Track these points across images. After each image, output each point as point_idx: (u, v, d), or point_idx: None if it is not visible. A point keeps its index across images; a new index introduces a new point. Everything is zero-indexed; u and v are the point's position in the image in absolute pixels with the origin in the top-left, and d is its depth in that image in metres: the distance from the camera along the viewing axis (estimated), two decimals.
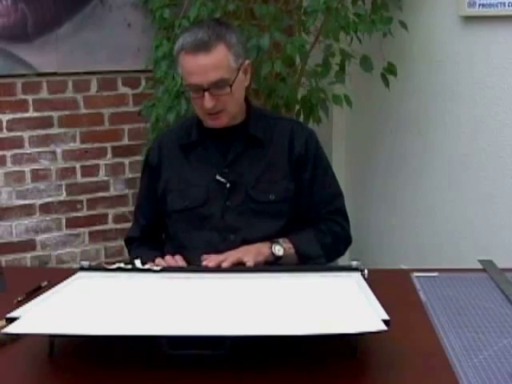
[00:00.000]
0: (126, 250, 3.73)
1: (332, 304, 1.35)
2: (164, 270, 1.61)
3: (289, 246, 1.81)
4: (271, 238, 1.82)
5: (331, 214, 1.93)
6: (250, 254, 1.72)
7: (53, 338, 1.27)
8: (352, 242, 1.98)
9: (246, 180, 1.86)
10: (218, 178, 1.85)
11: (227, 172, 1.86)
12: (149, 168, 1.98)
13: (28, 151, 3.29)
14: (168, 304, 1.37)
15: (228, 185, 1.85)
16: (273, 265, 1.76)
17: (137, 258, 1.67)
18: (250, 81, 1.92)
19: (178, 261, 1.74)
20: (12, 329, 1.21)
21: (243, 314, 1.29)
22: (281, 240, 1.80)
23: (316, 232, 1.88)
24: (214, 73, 1.75)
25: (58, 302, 1.37)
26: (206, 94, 1.75)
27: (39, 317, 1.28)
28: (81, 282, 1.54)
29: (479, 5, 2.74)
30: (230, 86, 1.77)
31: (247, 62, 1.86)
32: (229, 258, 1.68)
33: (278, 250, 1.77)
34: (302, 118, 3.03)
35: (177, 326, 1.22)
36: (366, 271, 1.60)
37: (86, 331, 1.21)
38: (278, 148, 1.89)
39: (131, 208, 3.48)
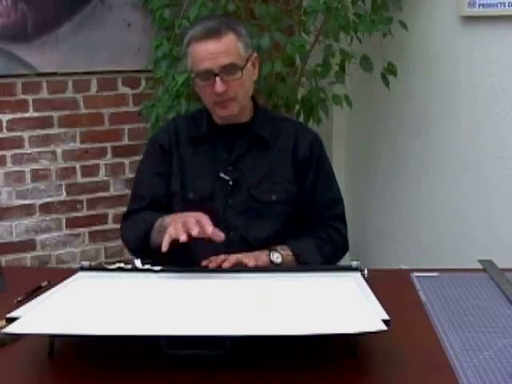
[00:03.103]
0: (126, 250, 3.75)
1: (332, 304, 1.35)
2: (164, 270, 1.61)
3: (287, 253, 1.81)
4: (270, 239, 1.84)
5: (331, 220, 1.94)
6: (249, 257, 1.72)
7: (53, 337, 1.27)
8: (350, 246, 1.99)
9: (248, 179, 1.87)
10: (222, 175, 1.87)
11: (231, 170, 1.87)
12: (160, 148, 1.94)
13: (28, 151, 3.29)
14: (168, 304, 1.37)
15: (231, 182, 1.86)
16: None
17: (136, 257, 1.67)
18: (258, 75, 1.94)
19: (204, 222, 1.60)
20: (12, 329, 1.21)
21: (243, 314, 1.29)
22: (279, 247, 1.81)
23: (316, 240, 1.89)
24: (225, 58, 1.78)
25: (57, 302, 1.37)
26: (217, 78, 1.77)
27: (39, 317, 1.27)
28: (81, 282, 1.54)
29: (479, 5, 2.74)
30: (241, 70, 1.79)
31: (255, 54, 1.89)
32: (229, 258, 1.68)
33: (277, 257, 1.78)
34: (302, 118, 3.03)
35: (176, 326, 1.22)
36: (366, 271, 1.60)
37: (86, 331, 1.21)
38: (283, 149, 1.91)
39: None
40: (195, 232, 1.54)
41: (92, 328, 1.21)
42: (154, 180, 1.93)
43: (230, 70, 1.78)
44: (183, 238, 1.54)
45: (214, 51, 1.77)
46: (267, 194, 1.88)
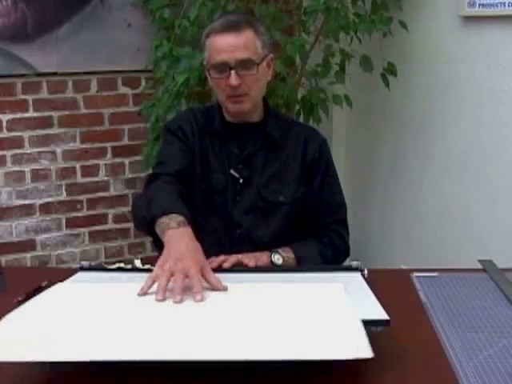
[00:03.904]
0: (126, 250, 3.75)
1: (318, 322, 1.25)
2: None
3: (288, 255, 1.82)
4: (274, 238, 1.86)
5: (334, 224, 1.95)
6: (250, 257, 1.73)
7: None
8: (350, 245, 2.00)
9: (258, 178, 1.89)
10: (232, 172, 1.88)
11: (241, 167, 1.89)
12: (183, 133, 1.92)
13: (28, 151, 3.29)
14: (163, 310, 1.31)
15: (241, 180, 1.88)
16: None
17: (137, 258, 1.67)
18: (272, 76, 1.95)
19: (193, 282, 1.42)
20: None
21: (237, 330, 1.22)
22: (280, 249, 1.82)
23: (318, 244, 1.90)
24: (242, 52, 1.78)
25: (45, 315, 1.29)
26: (233, 72, 1.78)
27: (18, 341, 1.16)
28: (72, 289, 1.47)
29: (479, 5, 2.74)
30: (257, 66, 1.80)
31: (271, 55, 1.90)
32: (229, 258, 1.69)
33: (278, 258, 1.79)
34: (301, 118, 3.03)
35: (168, 345, 1.15)
36: (366, 271, 1.60)
37: (79, 357, 1.11)
38: (292, 151, 1.92)
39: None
40: (177, 300, 1.34)
41: (84, 353, 1.12)
42: (179, 154, 1.89)
43: (246, 64, 1.79)
44: (159, 298, 1.36)
45: (232, 44, 1.78)
46: (275, 194, 1.89)
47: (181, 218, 1.60)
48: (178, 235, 1.54)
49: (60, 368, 1.20)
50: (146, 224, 1.68)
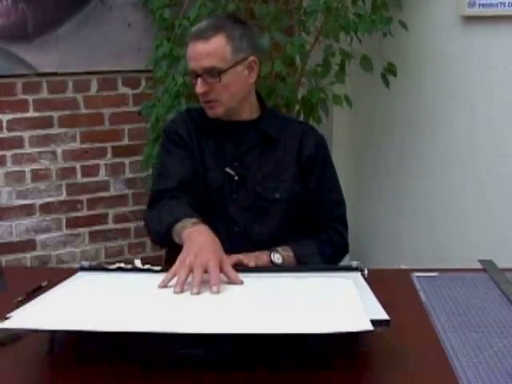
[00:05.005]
0: (126, 250, 3.75)
1: (323, 304, 1.33)
2: (164, 270, 1.60)
3: (288, 254, 1.83)
4: (273, 236, 1.87)
5: (333, 221, 1.96)
6: (250, 257, 1.74)
7: (53, 335, 1.26)
8: (350, 245, 2.00)
9: (253, 175, 1.89)
10: (228, 170, 1.88)
11: (237, 165, 1.89)
12: (181, 138, 1.93)
13: (28, 151, 3.29)
14: (168, 303, 1.36)
15: (236, 178, 1.88)
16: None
17: (138, 258, 1.68)
18: (257, 78, 1.94)
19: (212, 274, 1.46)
20: (9, 324, 1.20)
21: (238, 314, 1.28)
22: (280, 248, 1.83)
23: (317, 242, 1.90)
24: (207, 60, 1.80)
25: (57, 300, 1.37)
26: (199, 79, 1.81)
27: (38, 313, 1.27)
28: (81, 280, 1.54)
29: (479, 5, 2.74)
30: (219, 75, 1.80)
31: (252, 58, 1.87)
32: (230, 258, 1.69)
33: (278, 258, 1.80)
34: (302, 118, 3.03)
35: (173, 324, 1.21)
36: (366, 271, 1.60)
37: (85, 327, 1.20)
38: (288, 148, 1.92)
39: (131, 208, 3.48)
40: (194, 292, 1.38)
41: (91, 324, 1.20)
42: (180, 161, 1.90)
43: (211, 72, 1.81)
44: (177, 290, 1.40)
45: (199, 52, 1.81)
46: (271, 191, 1.89)
47: (194, 220, 1.65)
48: (195, 232, 1.59)
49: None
50: (162, 237, 1.74)
